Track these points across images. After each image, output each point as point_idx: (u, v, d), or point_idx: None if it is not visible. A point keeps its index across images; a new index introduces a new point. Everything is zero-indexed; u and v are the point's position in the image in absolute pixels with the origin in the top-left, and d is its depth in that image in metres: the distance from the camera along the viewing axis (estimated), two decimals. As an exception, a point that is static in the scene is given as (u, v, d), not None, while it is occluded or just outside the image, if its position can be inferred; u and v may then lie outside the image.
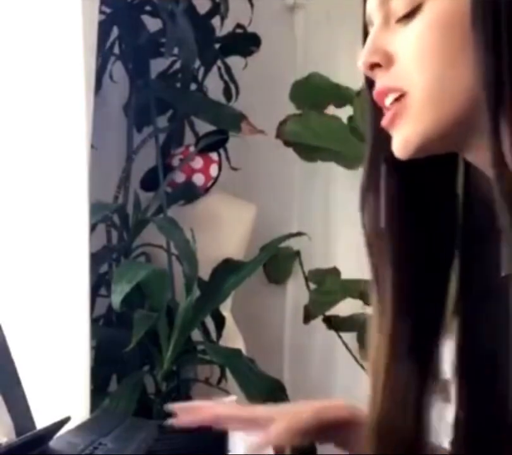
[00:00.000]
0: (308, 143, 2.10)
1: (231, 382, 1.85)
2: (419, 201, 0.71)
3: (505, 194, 0.58)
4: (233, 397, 0.85)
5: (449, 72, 0.61)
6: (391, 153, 0.67)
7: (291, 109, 2.13)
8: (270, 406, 0.86)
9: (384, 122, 0.65)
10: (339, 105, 2.08)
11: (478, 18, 0.59)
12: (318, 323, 2.19)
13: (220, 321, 1.92)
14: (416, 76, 0.62)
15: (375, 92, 0.66)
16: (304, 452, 0.83)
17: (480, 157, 0.63)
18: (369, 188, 0.74)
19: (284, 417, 0.81)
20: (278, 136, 2.11)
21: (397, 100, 0.63)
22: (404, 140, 0.64)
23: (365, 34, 0.70)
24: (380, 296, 0.73)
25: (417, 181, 0.71)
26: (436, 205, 0.72)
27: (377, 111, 0.67)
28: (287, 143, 2.12)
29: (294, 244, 2.26)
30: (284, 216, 2.32)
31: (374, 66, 0.65)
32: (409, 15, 0.63)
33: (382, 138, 0.68)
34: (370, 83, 0.68)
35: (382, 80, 0.65)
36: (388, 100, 0.64)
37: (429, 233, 0.71)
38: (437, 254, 0.72)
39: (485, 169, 0.62)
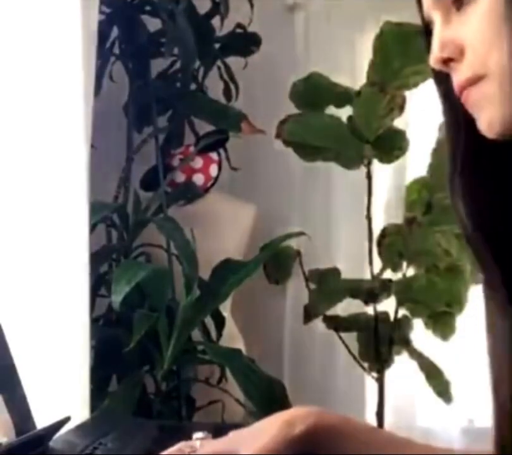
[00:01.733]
0: (308, 143, 2.10)
1: (231, 381, 1.85)
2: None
3: None
4: (200, 434, 0.80)
5: None
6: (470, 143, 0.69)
7: (291, 109, 2.13)
8: (235, 432, 0.77)
9: (464, 101, 0.66)
10: (339, 105, 2.08)
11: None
12: (318, 323, 2.19)
13: (220, 321, 1.92)
14: (491, 59, 0.62)
15: (456, 86, 0.66)
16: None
17: None
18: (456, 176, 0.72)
19: (249, 441, 0.74)
20: (278, 136, 2.11)
21: (475, 83, 0.64)
22: (489, 121, 0.65)
23: (427, 33, 0.70)
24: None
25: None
26: None
27: (451, 102, 0.69)
28: (287, 143, 2.12)
29: (294, 244, 2.26)
30: (284, 216, 2.32)
31: (447, 61, 0.66)
32: (465, 2, 0.63)
33: (460, 127, 0.69)
34: (438, 78, 0.70)
35: (460, 72, 0.65)
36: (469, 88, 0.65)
37: None
38: None
39: None
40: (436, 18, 0.67)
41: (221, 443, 0.76)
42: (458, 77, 0.66)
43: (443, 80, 0.69)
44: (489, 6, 0.62)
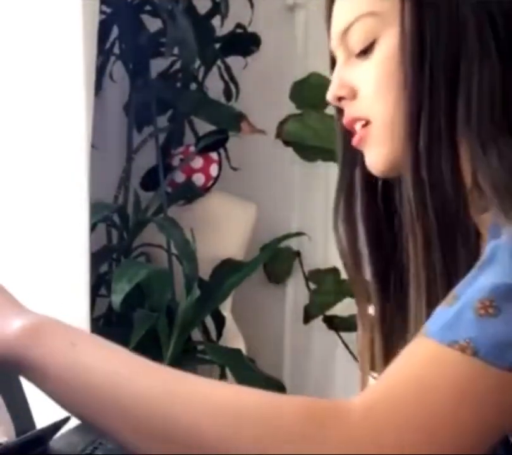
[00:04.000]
0: (308, 143, 2.10)
1: (231, 381, 1.85)
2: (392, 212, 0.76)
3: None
4: None
5: (401, 103, 0.67)
6: (361, 171, 0.75)
7: (291, 109, 2.13)
8: None
9: (354, 142, 0.72)
10: (339, 105, 2.08)
11: (403, 55, 0.66)
12: (318, 323, 2.19)
13: (220, 321, 1.92)
14: (376, 107, 0.69)
15: (344, 121, 0.73)
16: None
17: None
18: (343, 203, 0.78)
19: None
20: (278, 136, 2.11)
21: (364, 126, 0.71)
22: (374, 161, 0.71)
23: (333, 65, 0.77)
24: (361, 309, 0.77)
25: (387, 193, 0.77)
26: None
27: (346, 132, 0.74)
28: (287, 143, 2.12)
29: (294, 244, 2.26)
30: (284, 216, 2.32)
31: (341, 98, 0.72)
32: (366, 51, 0.70)
33: (351, 157, 0.76)
34: (338, 109, 0.75)
35: (348, 110, 0.72)
36: (357, 127, 0.72)
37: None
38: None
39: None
40: (338, 55, 0.74)
41: None
42: (347, 114, 0.72)
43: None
44: (381, 61, 0.68)
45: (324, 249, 2.32)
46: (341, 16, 0.74)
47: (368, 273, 0.79)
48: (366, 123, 0.70)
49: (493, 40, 0.65)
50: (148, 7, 1.99)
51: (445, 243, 0.64)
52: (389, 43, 0.68)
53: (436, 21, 0.65)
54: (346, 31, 0.72)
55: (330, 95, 0.73)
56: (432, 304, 0.62)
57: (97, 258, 1.68)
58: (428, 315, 0.61)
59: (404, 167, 0.67)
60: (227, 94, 2.16)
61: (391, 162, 0.70)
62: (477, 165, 0.64)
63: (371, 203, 0.77)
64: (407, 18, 0.66)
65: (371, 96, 0.69)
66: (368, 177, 0.75)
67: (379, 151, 0.70)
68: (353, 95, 0.71)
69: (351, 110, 0.72)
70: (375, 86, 0.69)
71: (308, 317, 2.18)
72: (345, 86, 0.72)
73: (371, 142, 0.70)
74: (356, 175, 0.77)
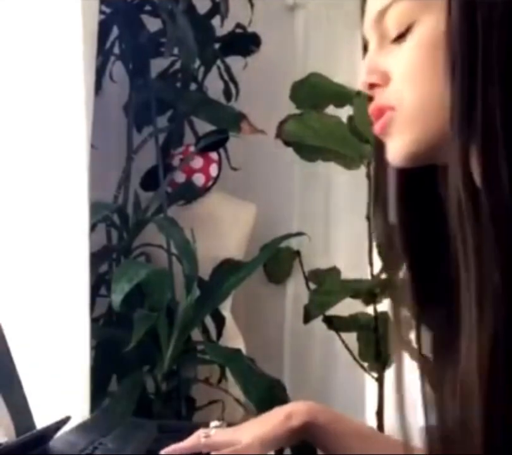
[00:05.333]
0: (308, 143, 2.10)
1: (231, 381, 1.85)
2: (424, 196, 0.75)
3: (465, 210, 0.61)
4: (216, 423, 0.91)
5: (435, 90, 0.64)
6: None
7: (291, 109, 2.13)
8: (246, 422, 0.89)
9: (376, 130, 0.69)
10: (339, 105, 2.08)
11: (453, 40, 0.62)
12: (318, 323, 2.19)
13: (220, 321, 1.92)
14: (406, 93, 0.66)
15: (370, 109, 0.70)
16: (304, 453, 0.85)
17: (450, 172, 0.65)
18: (380, 186, 0.77)
19: (253, 430, 0.85)
20: (278, 136, 2.11)
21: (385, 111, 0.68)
22: (394, 151, 0.68)
23: (365, 50, 0.74)
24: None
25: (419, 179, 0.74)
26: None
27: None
28: (287, 143, 2.12)
29: (294, 244, 2.26)
30: (284, 216, 2.32)
31: (373, 85, 0.70)
32: (402, 36, 0.67)
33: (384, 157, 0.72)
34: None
35: (377, 98, 0.69)
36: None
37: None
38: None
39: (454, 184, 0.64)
40: (371, 40, 0.71)
41: (231, 431, 0.88)
42: (375, 102, 0.69)
43: None
44: (418, 45, 0.65)
45: (324, 249, 2.32)
46: None
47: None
48: (389, 109, 0.68)
49: None
50: (148, 7, 1.99)
51: (503, 253, 0.60)
52: (429, 27, 0.64)
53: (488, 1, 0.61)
54: (382, 15, 0.68)
55: (361, 82, 0.70)
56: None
57: (97, 258, 1.68)
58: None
59: (451, 162, 0.63)
60: (227, 94, 2.16)
61: (413, 152, 0.67)
62: None
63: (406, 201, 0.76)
64: (454, 1, 0.62)
65: (403, 80, 0.66)
66: (402, 176, 0.73)
67: (401, 139, 0.67)
68: (386, 80, 0.68)
69: (381, 98, 0.69)
70: (409, 71, 0.66)
71: (308, 317, 2.18)
72: (377, 71, 0.69)
73: (394, 129, 0.68)
74: (389, 175, 0.75)
